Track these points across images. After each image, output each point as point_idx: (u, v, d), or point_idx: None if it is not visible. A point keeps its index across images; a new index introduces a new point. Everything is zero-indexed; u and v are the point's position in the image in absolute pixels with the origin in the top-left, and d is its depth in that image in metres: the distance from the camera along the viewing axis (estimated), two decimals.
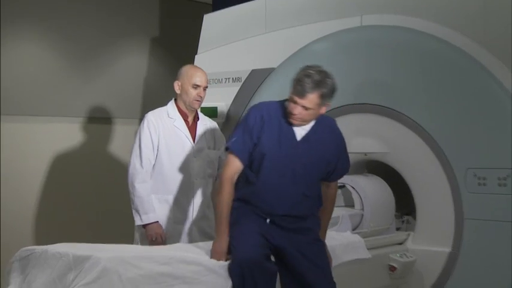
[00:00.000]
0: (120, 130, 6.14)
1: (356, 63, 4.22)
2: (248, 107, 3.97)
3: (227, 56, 4.83)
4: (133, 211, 3.67)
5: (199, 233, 3.79)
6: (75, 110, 5.90)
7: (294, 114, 2.99)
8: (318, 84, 2.94)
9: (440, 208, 3.95)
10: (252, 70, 4.69)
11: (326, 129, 3.13)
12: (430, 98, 3.95)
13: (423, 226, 4.10)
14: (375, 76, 4.15)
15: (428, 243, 4.03)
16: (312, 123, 3.09)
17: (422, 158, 4.00)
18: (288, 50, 4.51)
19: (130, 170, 3.68)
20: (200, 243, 3.27)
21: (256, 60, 4.67)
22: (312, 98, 2.95)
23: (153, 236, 3.64)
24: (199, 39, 5.01)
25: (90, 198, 5.93)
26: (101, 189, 5.98)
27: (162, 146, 3.71)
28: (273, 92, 4.37)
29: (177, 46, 6.42)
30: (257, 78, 4.62)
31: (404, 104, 4.04)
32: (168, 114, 3.77)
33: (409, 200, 4.18)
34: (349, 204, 4.18)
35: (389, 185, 4.28)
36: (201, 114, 3.90)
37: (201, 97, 3.75)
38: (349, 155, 3.58)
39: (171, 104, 3.82)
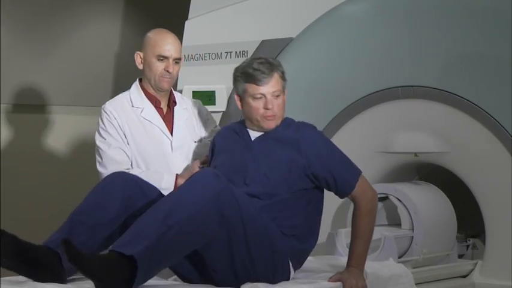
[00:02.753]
0: (85, 122, 6.10)
1: (405, 32, 4.21)
2: None
3: (228, 22, 4.77)
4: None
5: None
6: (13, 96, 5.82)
7: (269, 109, 3.20)
8: (272, 64, 3.26)
9: None
10: (262, 41, 4.61)
11: (287, 127, 3.33)
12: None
13: (495, 253, 4.06)
14: (430, 49, 4.13)
15: (503, 276, 4.00)
16: None
17: (495, 162, 4.01)
18: (311, 14, 4.46)
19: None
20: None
21: (268, 28, 4.62)
22: (276, 78, 3.24)
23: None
24: None
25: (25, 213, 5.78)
26: (47, 203, 5.86)
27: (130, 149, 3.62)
28: (290, 71, 4.03)
29: (160, 8, 6.43)
30: (269, 51, 4.47)
31: (470, 86, 4.04)
32: (131, 103, 3.64)
33: (476, 218, 4.17)
34: (394, 222, 4.14)
35: (449, 197, 4.21)
36: (177, 95, 3.77)
37: (169, 73, 3.60)
38: (394, 155, 4.04)
39: (135, 87, 3.68)
